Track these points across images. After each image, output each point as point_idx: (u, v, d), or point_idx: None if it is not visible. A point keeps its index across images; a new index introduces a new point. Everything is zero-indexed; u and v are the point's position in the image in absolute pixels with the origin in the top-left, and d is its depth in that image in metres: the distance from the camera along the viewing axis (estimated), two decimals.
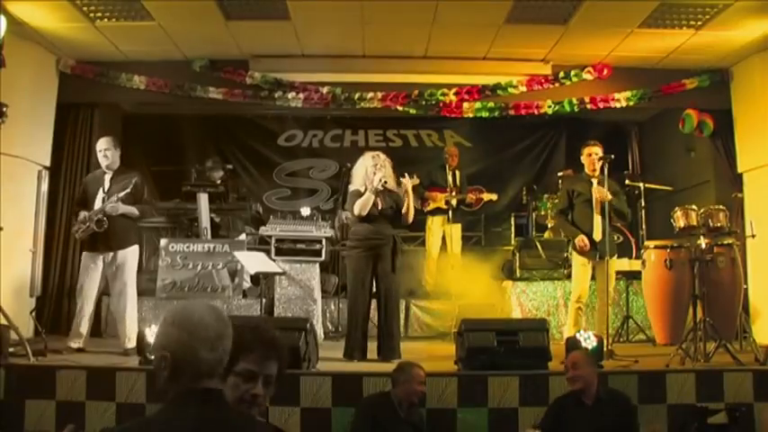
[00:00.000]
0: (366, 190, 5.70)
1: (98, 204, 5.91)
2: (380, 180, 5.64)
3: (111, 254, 5.94)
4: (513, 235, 9.15)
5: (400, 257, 5.95)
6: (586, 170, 6.07)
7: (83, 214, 5.88)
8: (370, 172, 5.72)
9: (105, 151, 6.03)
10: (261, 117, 9.91)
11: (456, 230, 8.20)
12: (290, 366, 4.80)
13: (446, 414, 4.70)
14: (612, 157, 5.84)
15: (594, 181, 5.96)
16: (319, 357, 5.31)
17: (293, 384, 4.73)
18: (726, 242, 6.16)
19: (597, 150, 5.96)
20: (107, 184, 6.00)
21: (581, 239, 5.95)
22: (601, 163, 5.85)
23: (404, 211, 5.79)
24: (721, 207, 6.15)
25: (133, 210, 5.97)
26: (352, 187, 5.92)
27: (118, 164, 6.10)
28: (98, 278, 5.97)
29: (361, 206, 5.69)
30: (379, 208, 5.73)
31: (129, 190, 5.88)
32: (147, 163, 9.66)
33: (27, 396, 4.82)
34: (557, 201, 8.11)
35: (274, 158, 10.22)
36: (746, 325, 6.08)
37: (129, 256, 6.03)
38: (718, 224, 5.96)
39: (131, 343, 5.79)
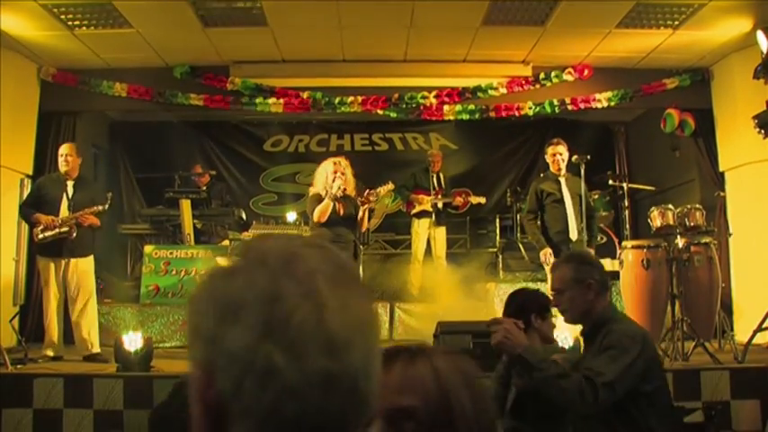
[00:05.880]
0: (326, 195, 5.72)
1: (63, 211, 5.95)
2: (339, 188, 5.66)
3: (74, 261, 5.98)
4: (498, 237, 9.15)
5: (360, 261, 6.02)
6: (552, 169, 6.09)
7: (48, 218, 5.88)
8: (330, 178, 5.74)
9: (66, 156, 6.10)
10: (246, 123, 9.93)
11: (441, 233, 8.19)
12: None
13: None
14: (588, 157, 5.87)
15: (562, 180, 5.98)
16: None
17: None
18: (703, 241, 6.16)
19: (560, 150, 5.98)
20: (70, 191, 6.03)
21: (545, 253, 5.96)
22: (565, 163, 5.88)
23: (359, 217, 5.84)
24: (698, 206, 6.16)
25: (97, 220, 6.03)
26: (312, 190, 5.97)
27: (77, 171, 6.18)
28: (59, 284, 6.03)
29: (319, 213, 5.71)
30: (341, 214, 5.77)
31: (87, 197, 6.01)
32: (133, 169, 9.69)
33: (4, 405, 4.84)
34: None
35: (260, 164, 10.22)
36: (726, 324, 6.08)
37: (90, 263, 6.13)
38: (695, 223, 5.98)
39: (95, 348, 5.92)
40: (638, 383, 2.50)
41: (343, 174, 5.76)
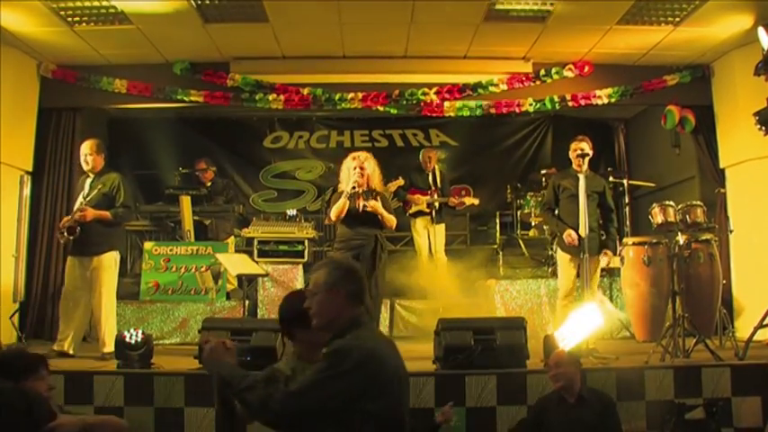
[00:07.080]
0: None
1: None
2: (352, 185, 5.56)
3: (89, 259, 5.86)
4: (498, 233, 9.13)
5: (384, 256, 5.78)
6: (573, 166, 6.02)
7: (64, 220, 5.87)
8: (350, 174, 5.62)
9: (87, 156, 5.98)
10: (247, 119, 9.95)
11: (440, 230, 8.12)
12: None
13: (424, 414, 4.69)
14: (590, 153, 5.82)
15: (581, 177, 5.86)
16: None
17: None
18: (704, 238, 6.15)
19: (583, 146, 5.88)
20: (86, 189, 5.96)
21: (568, 234, 5.85)
22: (586, 160, 5.77)
23: (379, 213, 5.67)
24: (698, 203, 6.16)
25: (105, 214, 5.82)
26: (340, 188, 5.82)
27: (99, 168, 6.02)
28: (81, 282, 5.88)
29: (335, 212, 5.63)
30: (360, 210, 5.70)
31: (97, 191, 5.86)
32: (133, 166, 9.67)
33: None
34: (540, 198, 8.10)
35: (261, 160, 10.23)
36: (726, 320, 6.08)
37: (105, 261, 5.88)
38: (696, 220, 5.98)
39: (108, 348, 5.66)
40: (354, 401, 2.43)
41: (362, 168, 5.61)
